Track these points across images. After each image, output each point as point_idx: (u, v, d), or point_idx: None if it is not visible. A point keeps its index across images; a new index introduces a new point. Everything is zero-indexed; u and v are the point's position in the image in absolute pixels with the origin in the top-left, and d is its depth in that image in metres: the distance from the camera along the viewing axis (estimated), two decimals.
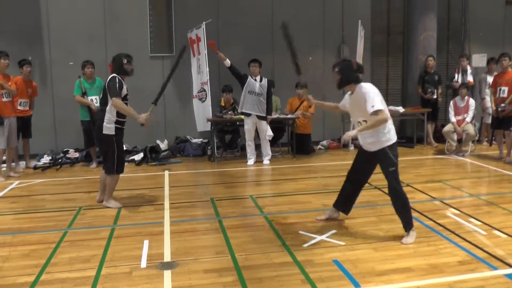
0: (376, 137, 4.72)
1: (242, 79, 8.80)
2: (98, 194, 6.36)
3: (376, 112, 4.53)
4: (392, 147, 4.74)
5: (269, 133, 8.94)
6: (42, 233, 5.18)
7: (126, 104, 5.89)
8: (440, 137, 10.27)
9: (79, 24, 9.77)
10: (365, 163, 5.04)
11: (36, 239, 4.99)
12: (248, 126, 8.87)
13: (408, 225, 4.78)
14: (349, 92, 4.95)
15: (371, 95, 4.59)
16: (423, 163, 8.98)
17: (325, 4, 10.90)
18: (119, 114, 5.85)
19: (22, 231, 5.28)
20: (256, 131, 9.09)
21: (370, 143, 4.80)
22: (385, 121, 4.61)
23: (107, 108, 5.79)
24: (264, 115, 8.83)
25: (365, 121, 4.71)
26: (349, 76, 4.76)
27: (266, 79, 8.93)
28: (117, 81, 5.79)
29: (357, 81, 4.76)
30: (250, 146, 8.99)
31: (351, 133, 4.83)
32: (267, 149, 9.02)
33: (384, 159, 4.75)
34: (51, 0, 9.70)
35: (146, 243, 4.76)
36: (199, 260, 4.32)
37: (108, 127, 5.83)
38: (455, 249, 4.50)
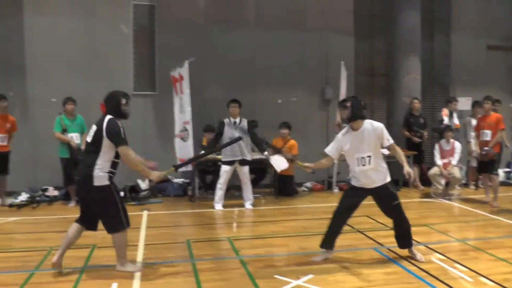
0: (380, 173, 5.01)
1: (219, 129, 8.47)
2: (56, 255, 4.89)
3: (392, 145, 5.03)
4: (391, 183, 5.10)
5: (283, 164, 8.58)
6: (6, 274, 4.92)
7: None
8: (426, 180, 10.17)
9: (62, 60, 9.73)
10: (357, 201, 5.16)
11: None
12: (226, 169, 8.44)
13: (410, 244, 5.32)
14: (344, 131, 5.14)
15: (385, 130, 5.01)
16: (408, 206, 8.75)
17: (308, 45, 10.98)
18: (114, 164, 4.84)
19: None
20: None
21: (374, 179, 5.00)
22: None
23: (100, 154, 4.71)
24: (247, 158, 8.48)
25: (370, 156, 4.92)
26: (359, 112, 4.99)
27: (246, 120, 8.68)
28: (119, 125, 4.75)
29: (364, 117, 5.05)
30: (221, 190, 8.44)
31: (409, 169, 5.13)
32: (249, 194, 8.66)
33: (387, 194, 5.07)
34: (35, 36, 9.68)
35: (114, 286, 4.53)
36: None
37: (100, 176, 4.70)
38: None
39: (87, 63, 9.89)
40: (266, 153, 8.30)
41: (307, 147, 10.56)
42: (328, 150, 5.25)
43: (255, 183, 9.85)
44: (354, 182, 5.20)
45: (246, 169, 8.53)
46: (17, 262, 5.37)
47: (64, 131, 8.43)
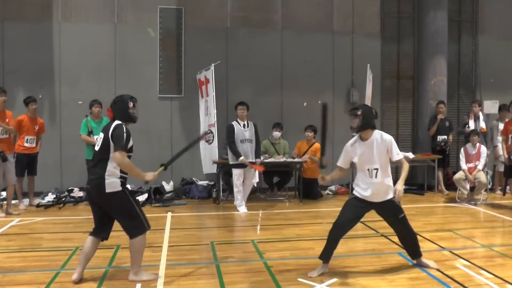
0: (387, 187, 4.82)
1: (229, 133, 8.49)
2: (76, 272, 4.76)
3: (401, 160, 4.77)
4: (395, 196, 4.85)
5: (256, 179, 8.72)
6: (33, 273, 5.02)
7: (130, 157, 4.74)
8: (451, 185, 10.03)
9: (90, 64, 9.94)
10: (360, 213, 4.94)
11: (26, 279, 4.83)
12: (239, 171, 8.48)
13: (420, 254, 5.12)
14: (353, 141, 4.95)
15: (395, 144, 4.77)
16: (433, 211, 8.70)
17: (334, 48, 10.95)
18: (124, 172, 4.76)
19: (13, 271, 5.12)
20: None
21: (380, 193, 4.81)
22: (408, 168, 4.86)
23: (110, 161, 4.60)
24: (254, 160, 8.57)
25: (377, 169, 4.74)
26: (369, 121, 4.78)
27: (252, 123, 8.73)
28: (125, 130, 4.61)
29: (374, 127, 4.82)
30: (240, 192, 8.50)
31: (401, 188, 4.78)
32: (246, 195, 8.76)
33: (393, 208, 4.88)
34: (64, 41, 9.90)
35: (138, 287, 4.57)
36: None
37: (111, 182, 4.58)
38: None
39: (114, 67, 10.06)
40: (258, 159, 8.56)
41: (332, 150, 10.48)
42: (339, 163, 5.08)
43: (279, 186, 9.89)
44: (357, 193, 4.91)
45: (253, 171, 8.60)
46: (44, 261, 5.47)
47: (90, 133, 8.57)
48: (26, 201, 8.78)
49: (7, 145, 7.99)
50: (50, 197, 9.25)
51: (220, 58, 9.57)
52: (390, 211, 4.88)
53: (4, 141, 7.91)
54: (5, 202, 8.12)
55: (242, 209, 8.47)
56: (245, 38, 10.55)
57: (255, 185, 8.93)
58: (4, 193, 8.28)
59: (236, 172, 8.49)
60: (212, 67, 9.01)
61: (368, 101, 9.82)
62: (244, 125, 8.57)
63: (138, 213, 4.71)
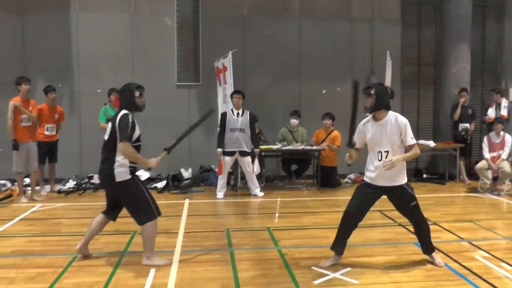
0: (398, 172, 4.56)
1: (221, 120, 8.56)
2: (80, 243, 5.07)
3: (414, 145, 4.51)
4: (408, 184, 4.68)
5: (256, 169, 8.66)
6: (51, 257, 5.14)
7: (139, 146, 4.87)
8: (473, 175, 9.85)
9: (108, 54, 10.03)
10: (370, 199, 4.75)
11: (45, 263, 4.95)
12: (226, 159, 8.52)
13: (433, 249, 4.88)
14: (365, 121, 4.75)
15: (409, 127, 4.53)
16: (453, 201, 8.56)
17: (353, 34, 10.81)
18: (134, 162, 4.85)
19: (33, 254, 5.25)
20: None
21: (389, 177, 4.57)
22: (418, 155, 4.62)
23: (118, 151, 4.70)
24: (247, 150, 8.54)
25: (387, 152, 4.50)
26: (384, 101, 4.54)
27: (248, 112, 8.66)
28: (130, 120, 4.66)
29: (389, 107, 4.58)
30: (222, 179, 8.62)
31: (395, 160, 4.45)
32: (254, 182, 8.74)
33: (403, 195, 4.63)
34: (81, 31, 10.02)
35: (152, 271, 4.61)
36: None
37: (121, 172, 4.70)
38: None
39: (131, 56, 10.13)
40: (257, 149, 8.55)
41: (351, 137, 10.42)
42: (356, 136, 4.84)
43: (298, 174, 9.86)
44: (367, 178, 4.74)
45: (247, 159, 8.58)
46: (62, 245, 5.59)
47: (109, 121, 8.58)
48: (47, 187, 8.95)
49: (30, 133, 8.11)
50: (71, 184, 9.42)
51: (238, 46, 9.53)
52: (401, 198, 4.64)
53: (27, 129, 8.04)
54: (28, 188, 8.27)
55: (220, 195, 8.59)
56: (262, 26, 10.48)
57: (254, 171, 8.75)
58: (28, 180, 8.43)
59: (225, 160, 8.52)
60: (230, 55, 8.98)
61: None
62: (238, 113, 8.55)
63: (147, 200, 4.77)
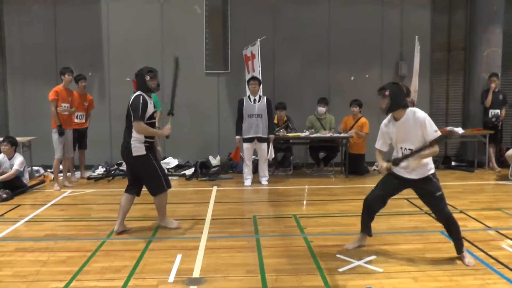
0: (424, 164, 4.50)
1: (239, 107, 8.59)
2: (117, 224, 5.59)
3: (437, 139, 4.32)
4: (434, 174, 4.57)
5: (270, 155, 8.66)
6: (81, 241, 5.31)
7: (154, 123, 5.51)
8: (504, 162, 9.66)
9: (138, 42, 10.12)
10: (392, 190, 4.75)
11: (75, 247, 5.12)
12: (246, 146, 8.57)
13: (462, 247, 4.65)
14: (387, 121, 4.72)
15: (430, 120, 4.41)
16: (482, 188, 8.41)
17: (383, 19, 10.62)
18: (149, 137, 5.45)
19: (64, 238, 5.44)
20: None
21: (417, 170, 4.52)
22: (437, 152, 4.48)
23: (133, 128, 5.32)
24: (264, 136, 8.55)
25: (411, 149, 4.42)
26: (399, 101, 4.47)
27: (265, 98, 8.65)
28: (140, 101, 5.26)
29: (406, 106, 4.51)
30: (248, 166, 8.66)
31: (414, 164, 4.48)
32: (265, 171, 8.75)
33: (429, 185, 4.54)
34: (112, 20, 10.14)
35: (178, 257, 4.72)
36: (228, 278, 4.22)
37: (138, 147, 5.30)
38: (507, 285, 4.08)
39: (161, 44, 10.20)
40: (271, 135, 8.55)
41: (377, 124, 10.33)
42: (378, 146, 4.88)
43: (326, 161, 9.85)
44: (394, 169, 4.68)
45: (263, 146, 8.60)
46: (92, 230, 5.77)
47: None
48: (77, 174, 9.16)
49: (70, 121, 8.31)
50: (100, 170, 9.62)
51: (266, 33, 9.51)
52: (427, 189, 4.54)
53: (68, 117, 8.24)
54: (60, 174, 8.48)
55: (247, 182, 8.63)
56: (291, 12, 10.39)
57: (270, 159, 8.84)
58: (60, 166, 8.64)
59: (244, 146, 8.58)
60: (258, 42, 8.98)
61: (415, 74, 9.55)
62: (254, 100, 8.56)
63: (159, 175, 5.47)
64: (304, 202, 7.40)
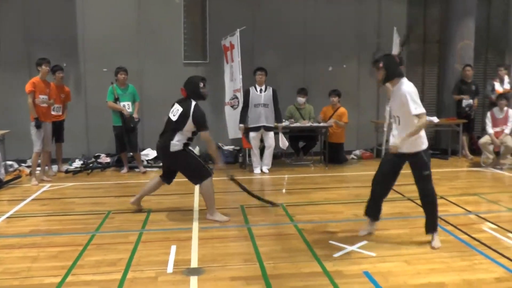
0: (415, 139, 4.59)
1: (245, 96, 8.76)
2: (135, 198, 5.99)
3: (419, 116, 4.41)
4: (426, 151, 4.67)
5: (282, 143, 8.85)
6: (70, 235, 5.21)
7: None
8: (476, 150, 9.98)
9: (114, 33, 9.89)
10: (394, 166, 4.83)
11: (64, 241, 5.02)
12: (254, 134, 8.77)
13: (434, 228, 4.79)
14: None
15: (413, 96, 4.44)
16: (457, 175, 8.69)
17: (360, 11, 10.76)
18: (189, 138, 5.64)
19: (51, 233, 5.32)
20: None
21: (408, 144, 4.60)
22: (425, 126, 4.54)
23: (181, 132, 5.49)
24: (271, 125, 8.75)
25: (398, 117, 4.62)
26: (393, 71, 4.59)
27: (271, 88, 8.83)
28: (202, 111, 5.52)
29: (401, 75, 4.63)
30: (255, 155, 8.87)
31: (396, 144, 4.61)
32: (269, 159, 8.92)
33: (419, 162, 4.66)
34: (87, 10, 9.86)
35: (173, 248, 4.71)
36: (227, 267, 4.24)
37: (176, 145, 5.51)
38: (492, 265, 4.28)
39: (138, 34, 10.02)
40: (279, 124, 8.77)
41: (358, 114, 10.54)
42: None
43: (305, 150, 9.95)
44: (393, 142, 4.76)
45: (271, 134, 8.79)
46: (79, 224, 5.66)
47: (117, 100, 8.63)
48: (55, 167, 8.97)
49: (47, 113, 8.10)
50: (78, 163, 9.43)
51: (246, 23, 9.47)
52: (417, 164, 4.66)
53: (46, 109, 8.01)
54: (38, 168, 8.28)
55: (257, 170, 8.79)
56: (270, 3, 10.40)
57: (284, 148, 9.13)
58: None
59: (251, 135, 8.72)
60: (237, 33, 8.96)
61: None
62: (260, 90, 8.73)
63: (199, 162, 5.67)
64: (284, 191, 7.49)
